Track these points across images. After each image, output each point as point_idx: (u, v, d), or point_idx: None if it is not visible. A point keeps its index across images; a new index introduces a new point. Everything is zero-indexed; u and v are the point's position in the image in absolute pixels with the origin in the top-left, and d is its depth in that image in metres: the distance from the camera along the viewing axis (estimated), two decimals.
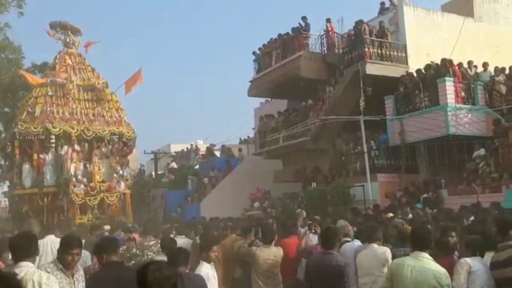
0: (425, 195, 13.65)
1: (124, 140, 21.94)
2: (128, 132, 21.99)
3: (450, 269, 4.58)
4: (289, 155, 20.77)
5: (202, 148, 31.13)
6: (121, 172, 20.99)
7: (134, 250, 6.71)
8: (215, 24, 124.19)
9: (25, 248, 3.94)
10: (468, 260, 4.59)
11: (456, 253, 5.52)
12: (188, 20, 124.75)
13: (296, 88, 20.02)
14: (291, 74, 19.74)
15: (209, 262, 5.39)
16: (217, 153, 28.76)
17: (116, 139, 21.74)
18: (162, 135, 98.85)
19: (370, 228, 6.03)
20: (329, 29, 20.13)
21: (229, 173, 23.67)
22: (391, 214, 11.21)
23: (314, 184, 17.78)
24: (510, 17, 19.75)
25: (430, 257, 4.43)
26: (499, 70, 15.94)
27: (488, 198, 11.93)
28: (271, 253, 6.54)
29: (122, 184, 20.65)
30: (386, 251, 5.46)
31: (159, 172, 31.02)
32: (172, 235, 8.61)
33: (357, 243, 6.22)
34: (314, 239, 7.66)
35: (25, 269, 3.78)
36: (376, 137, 17.10)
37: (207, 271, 5.18)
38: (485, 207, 10.41)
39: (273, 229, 8.08)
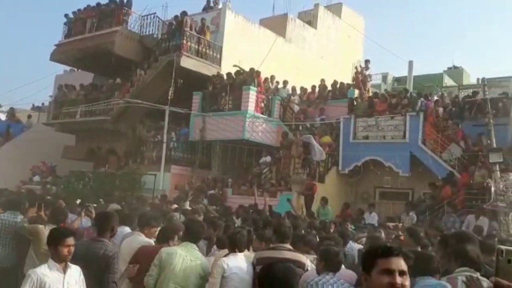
0: (211, 192, 14.24)
1: None
2: None
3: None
4: (85, 132, 19.45)
5: None
6: None
7: None
8: None
9: None
10: (232, 260, 4.54)
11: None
12: None
13: (105, 64, 18.96)
14: (103, 48, 18.63)
15: None
16: (1, 116, 25.19)
17: None
18: None
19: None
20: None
21: (10, 139, 20.96)
22: (175, 206, 11.38)
23: (106, 167, 17.00)
24: (314, 45, 22.15)
25: (197, 249, 4.57)
26: (294, 90, 17.70)
27: (264, 201, 13.04)
28: None
29: None
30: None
31: None
32: None
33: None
34: (88, 223, 7.23)
35: None
36: (178, 130, 17.25)
37: None
38: (261, 208, 11.38)
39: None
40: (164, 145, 15.81)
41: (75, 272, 3.82)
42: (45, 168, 18.83)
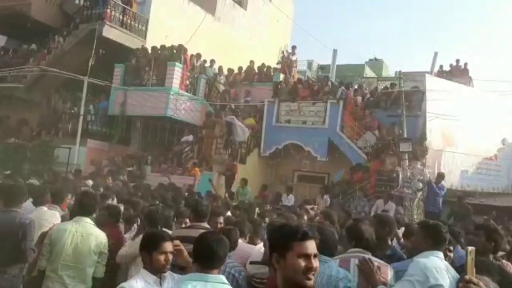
0: (129, 168, 13.87)
1: None
2: None
3: (115, 238, 4.67)
4: None
5: None
6: None
7: None
8: None
9: None
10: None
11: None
12: None
13: (20, 27, 17.66)
14: (19, 11, 17.38)
15: None
16: None
17: None
18: None
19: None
20: None
21: None
22: (90, 182, 10.95)
23: (16, 137, 15.91)
24: (243, 26, 22.06)
25: (92, 222, 4.36)
26: (221, 70, 17.58)
27: (185, 180, 12.99)
28: None
29: None
30: None
31: None
32: None
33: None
34: None
35: None
36: (97, 102, 16.52)
37: None
38: (179, 186, 11.30)
39: None
40: (81, 118, 15.07)
41: (171, 283, 3.12)
42: None
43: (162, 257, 3.09)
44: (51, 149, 14.35)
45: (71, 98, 16.32)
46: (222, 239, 2.94)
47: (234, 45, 20.53)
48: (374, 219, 4.41)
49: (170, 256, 3.13)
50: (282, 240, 2.09)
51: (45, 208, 5.30)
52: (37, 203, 5.31)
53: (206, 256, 2.76)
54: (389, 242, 4.36)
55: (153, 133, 15.90)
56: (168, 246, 3.14)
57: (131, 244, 4.55)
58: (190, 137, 15.29)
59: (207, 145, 14.78)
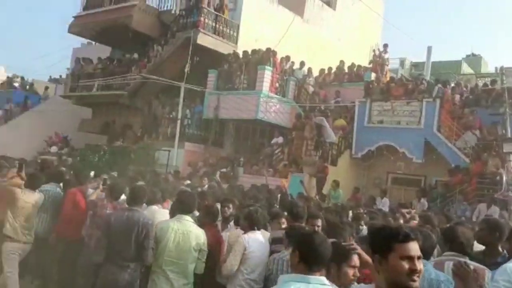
0: (223, 170, 14.37)
1: None
2: None
3: (213, 236, 4.88)
4: (101, 106, 19.68)
5: (2, 76, 27.32)
6: None
7: None
8: None
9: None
10: (251, 237, 4.52)
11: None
12: None
13: (123, 38, 18.97)
14: (121, 22, 18.63)
15: None
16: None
17: None
18: None
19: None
20: None
21: (27, 110, 21.28)
22: (188, 181, 11.55)
23: (121, 141, 17.21)
24: (332, 26, 21.88)
25: (191, 220, 4.60)
26: (310, 71, 17.60)
27: (276, 182, 13.17)
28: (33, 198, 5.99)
29: None
30: None
31: None
32: None
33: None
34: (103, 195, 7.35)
35: None
36: (192, 107, 17.32)
37: None
38: (272, 188, 11.48)
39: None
40: (179, 122, 15.93)
41: None
42: (57, 139, 19.12)
43: (351, 272, 2.95)
44: (152, 151, 15.29)
45: (169, 103, 17.28)
46: (327, 240, 2.88)
47: (323, 46, 20.43)
48: (483, 224, 4.14)
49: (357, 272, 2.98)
50: (383, 242, 2.10)
51: (156, 208, 5.70)
52: (149, 202, 5.72)
53: (310, 257, 2.69)
54: (500, 249, 4.12)
55: (245, 135, 16.34)
56: (357, 260, 2.97)
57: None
58: (280, 139, 15.49)
59: (297, 146, 14.87)
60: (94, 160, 15.43)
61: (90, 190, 6.95)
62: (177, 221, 4.53)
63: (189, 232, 4.48)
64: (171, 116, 16.99)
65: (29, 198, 5.82)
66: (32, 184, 5.99)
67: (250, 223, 4.68)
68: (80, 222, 6.14)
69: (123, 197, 6.33)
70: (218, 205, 6.52)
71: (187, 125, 16.80)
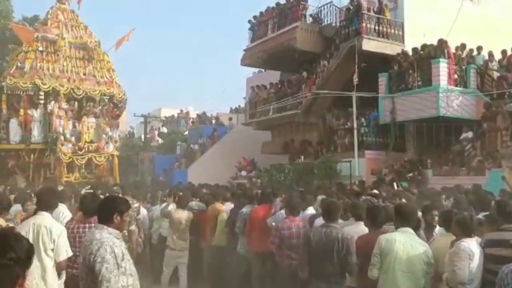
0: (410, 174, 13.83)
1: (115, 101, 21.84)
2: (119, 94, 21.86)
3: None
4: (279, 127, 20.80)
5: (193, 115, 31.05)
6: (110, 133, 20.89)
7: None
8: None
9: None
10: (471, 244, 4.32)
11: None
12: None
13: (290, 60, 19.88)
14: (286, 45, 19.54)
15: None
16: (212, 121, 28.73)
17: (106, 100, 21.56)
18: (152, 99, 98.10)
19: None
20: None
21: (216, 141, 23.69)
22: (376, 191, 11.41)
23: (302, 157, 17.90)
24: (505, 3, 19.54)
25: (414, 234, 4.54)
26: (491, 55, 15.95)
27: (472, 180, 12.13)
28: (183, 215, 7.86)
29: (111, 146, 20.55)
30: None
31: (148, 136, 30.99)
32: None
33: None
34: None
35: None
36: (367, 114, 17.15)
37: None
38: (467, 188, 10.59)
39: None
40: (355, 131, 15.91)
41: None
42: (245, 162, 20.74)
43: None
44: (334, 164, 15.53)
45: (343, 115, 17.40)
46: None
47: (498, 25, 18.35)
48: None
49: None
50: None
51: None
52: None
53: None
54: None
55: (428, 135, 15.51)
56: None
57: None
58: (470, 134, 14.28)
59: (491, 139, 13.52)
60: (280, 179, 16.34)
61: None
62: (402, 234, 4.49)
63: (416, 245, 4.44)
64: (346, 126, 17.07)
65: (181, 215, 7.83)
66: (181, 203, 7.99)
67: (465, 230, 4.44)
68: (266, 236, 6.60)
69: (310, 210, 6.86)
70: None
71: (365, 133, 16.66)
